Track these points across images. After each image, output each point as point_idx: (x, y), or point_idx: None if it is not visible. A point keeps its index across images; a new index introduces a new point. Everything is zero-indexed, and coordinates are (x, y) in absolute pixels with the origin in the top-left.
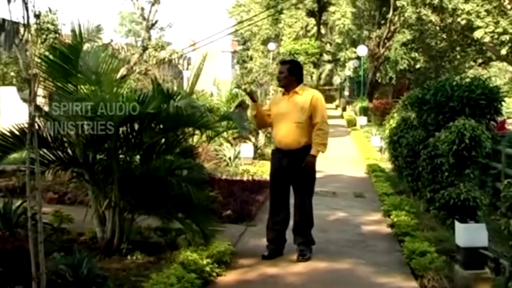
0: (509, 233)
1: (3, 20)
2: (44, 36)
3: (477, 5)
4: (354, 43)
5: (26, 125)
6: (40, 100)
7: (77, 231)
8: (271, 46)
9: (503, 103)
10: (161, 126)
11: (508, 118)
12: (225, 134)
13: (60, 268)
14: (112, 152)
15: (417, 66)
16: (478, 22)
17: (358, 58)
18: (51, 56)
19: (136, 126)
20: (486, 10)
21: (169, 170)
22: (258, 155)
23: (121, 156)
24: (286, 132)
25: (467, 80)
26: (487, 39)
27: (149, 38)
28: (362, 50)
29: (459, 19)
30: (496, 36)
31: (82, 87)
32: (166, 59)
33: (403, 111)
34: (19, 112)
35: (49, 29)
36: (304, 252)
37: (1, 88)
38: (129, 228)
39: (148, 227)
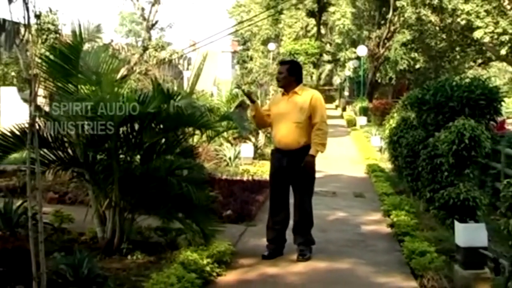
0: (509, 233)
1: (4, 20)
2: (44, 36)
3: (477, 6)
4: (354, 43)
5: (27, 125)
6: (40, 100)
7: (78, 231)
8: (271, 46)
9: (502, 103)
10: (161, 126)
11: (508, 118)
12: (225, 134)
13: (60, 268)
14: (113, 152)
15: (417, 66)
16: (478, 23)
17: (358, 58)
18: (51, 56)
19: (137, 126)
20: (485, 11)
21: (170, 170)
22: (258, 155)
23: (121, 156)
24: (286, 132)
25: (467, 80)
26: (486, 39)
27: (150, 38)
28: (362, 50)
29: (458, 20)
30: (495, 36)
31: (83, 87)
32: (166, 59)
33: (403, 111)
34: (20, 112)
35: (49, 29)
36: (304, 252)
37: (2, 88)
38: (129, 228)
39: (148, 227)
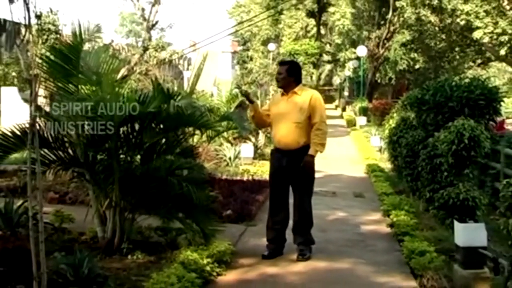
0: (508, 232)
1: (5, 20)
2: (45, 37)
3: (476, 6)
4: (354, 44)
5: (27, 125)
6: (41, 100)
7: (78, 231)
8: (271, 46)
9: (502, 103)
10: (162, 126)
11: (507, 118)
12: (225, 134)
13: (61, 268)
14: (113, 152)
15: (417, 66)
16: (477, 23)
17: (358, 58)
18: (52, 57)
19: (137, 126)
20: (485, 11)
21: (170, 170)
22: (258, 155)
23: (121, 156)
24: (286, 132)
25: (466, 80)
26: (486, 39)
27: (150, 39)
28: (361, 51)
29: (458, 20)
30: (495, 37)
31: (83, 87)
32: (167, 60)
33: (402, 111)
34: (20, 112)
35: (50, 30)
36: (304, 251)
37: (3, 88)
38: (129, 228)
39: (148, 226)
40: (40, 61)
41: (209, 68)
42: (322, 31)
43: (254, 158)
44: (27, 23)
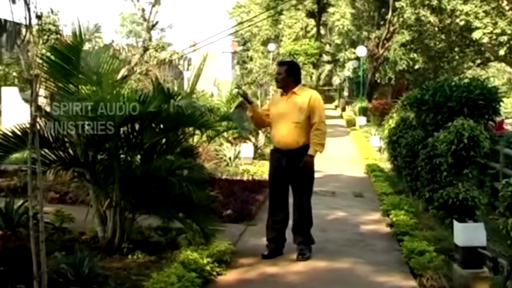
0: (507, 232)
1: (5, 21)
2: (45, 37)
3: (476, 6)
4: (354, 44)
5: (28, 125)
6: (41, 101)
7: (78, 231)
8: (271, 46)
9: (501, 103)
10: (162, 126)
11: (507, 118)
12: (225, 134)
13: (61, 267)
14: (113, 152)
15: (416, 66)
16: (477, 23)
17: (358, 58)
18: (52, 57)
19: (137, 126)
20: (484, 11)
21: (170, 170)
22: (258, 155)
23: (122, 156)
24: (285, 132)
25: (466, 80)
26: (485, 40)
27: (150, 39)
28: (361, 51)
29: (457, 20)
30: (494, 37)
31: (83, 87)
32: (167, 60)
33: (402, 111)
34: (21, 113)
35: (50, 30)
36: (303, 251)
37: (3, 88)
38: (130, 228)
39: (149, 226)
40: (40, 61)
41: (209, 68)
42: (322, 32)
43: (254, 158)
44: (27, 23)
